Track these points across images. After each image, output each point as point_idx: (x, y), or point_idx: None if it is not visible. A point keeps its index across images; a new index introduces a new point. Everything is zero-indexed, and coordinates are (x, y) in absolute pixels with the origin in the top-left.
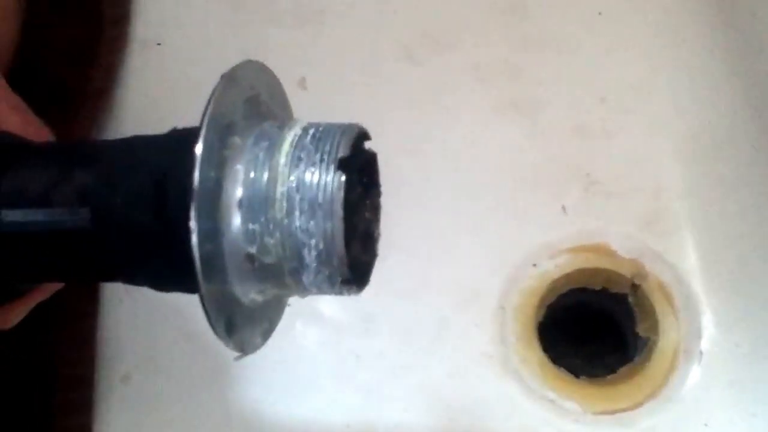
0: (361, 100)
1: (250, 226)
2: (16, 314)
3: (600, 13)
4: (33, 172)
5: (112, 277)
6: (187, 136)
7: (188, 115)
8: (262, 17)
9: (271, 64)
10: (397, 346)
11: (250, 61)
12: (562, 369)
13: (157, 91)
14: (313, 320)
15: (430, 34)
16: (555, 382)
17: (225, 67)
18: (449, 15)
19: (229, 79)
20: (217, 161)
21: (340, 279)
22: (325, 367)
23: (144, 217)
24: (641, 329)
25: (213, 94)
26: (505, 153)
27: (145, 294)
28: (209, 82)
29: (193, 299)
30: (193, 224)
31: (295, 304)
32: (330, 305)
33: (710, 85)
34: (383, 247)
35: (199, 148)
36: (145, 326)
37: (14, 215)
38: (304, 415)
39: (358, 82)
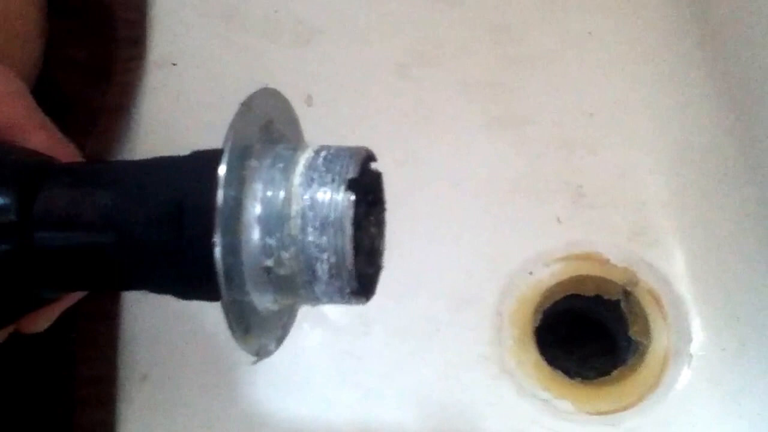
0: (359, 115)
1: (267, 241)
2: (44, 321)
3: (590, 33)
4: (60, 192)
5: (137, 288)
6: (209, 159)
7: (200, 132)
8: (266, 38)
9: (276, 81)
10: (396, 349)
11: (265, 89)
12: (557, 371)
13: (171, 109)
14: (315, 323)
15: (421, 52)
16: (550, 383)
17: (235, 86)
18: (439, 33)
19: (246, 106)
20: (237, 182)
21: (349, 290)
22: (325, 368)
23: (167, 234)
24: (633, 333)
25: (233, 121)
26: (501, 166)
27: (164, 298)
28: (220, 100)
29: (208, 306)
30: (217, 239)
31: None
32: (332, 309)
33: (691, 101)
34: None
35: (222, 170)
36: (162, 328)
37: (44, 234)
38: (307, 412)
39: (355, 97)
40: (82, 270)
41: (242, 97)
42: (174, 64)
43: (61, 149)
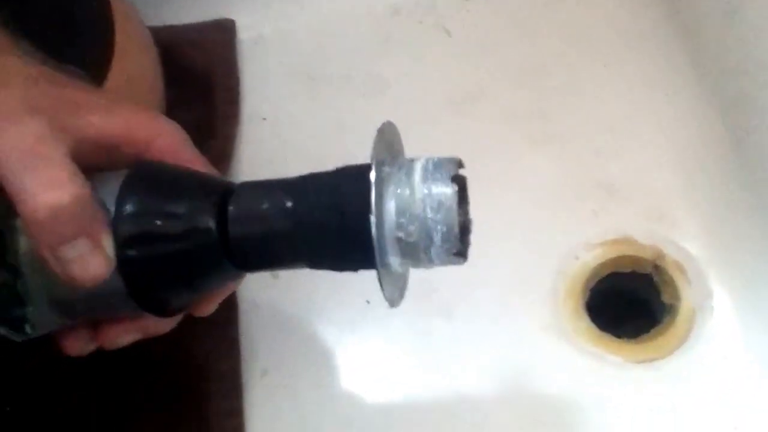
0: (422, 147)
1: (400, 219)
2: (213, 305)
3: (605, 65)
4: (246, 197)
5: (307, 262)
6: (359, 168)
7: (288, 173)
8: (343, 91)
9: (352, 126)
10: (474, 326)
11: (388, 122)
12: (606, 333)
13: (263, 155)
14: (404, 313)
15: (469, 91)
16: (601, 343)
17: (316, 134)
18: (482, 75)
19: (381, 132)
20: (379, 182)
21: (455, 251)
22: (420, 344)
23: (334, 218)
24: (665, 298)
25: (374, 143)
26: (544, 175)
27: (275, 305)
28: (304, 146)
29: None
30: (372, 220)
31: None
32: (419, 300)
33: (690, 111)
34: None
35: (372, 175)
36: (277, 332)
37: (240, 229)
38: (404, 382)
39: (419, 131)
40: (269, 251)
41: (323, 143)
42: (264, 119)
43: None
